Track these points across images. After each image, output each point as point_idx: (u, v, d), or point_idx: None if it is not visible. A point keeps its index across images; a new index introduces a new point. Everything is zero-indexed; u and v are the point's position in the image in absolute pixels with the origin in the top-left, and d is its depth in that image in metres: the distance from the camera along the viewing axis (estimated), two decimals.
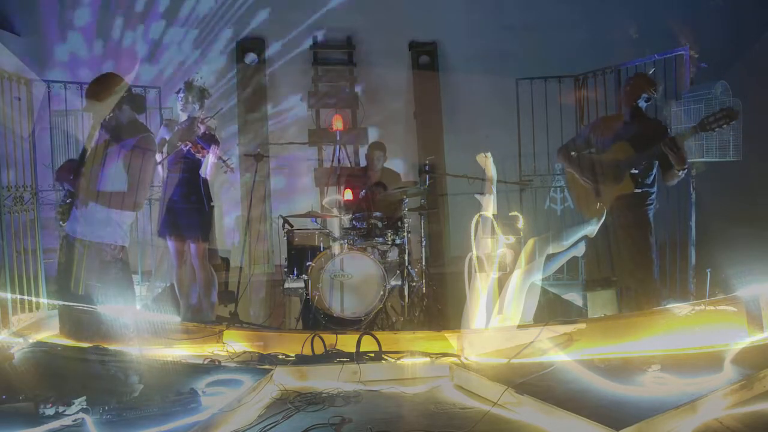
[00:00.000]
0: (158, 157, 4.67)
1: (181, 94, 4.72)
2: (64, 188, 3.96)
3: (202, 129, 4.60)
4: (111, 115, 3.87)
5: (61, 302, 3.94)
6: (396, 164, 7.18)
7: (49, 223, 5.24)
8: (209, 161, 4.61)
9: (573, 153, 4.55)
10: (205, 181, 4.72)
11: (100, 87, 3.86)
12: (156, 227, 5.01)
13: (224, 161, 4.56)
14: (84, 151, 3.93)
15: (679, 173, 4.11)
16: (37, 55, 6.81)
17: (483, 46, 7.47)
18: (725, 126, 3.86)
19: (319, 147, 7.42)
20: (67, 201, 3.90)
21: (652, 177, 4.27)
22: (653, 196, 4.30)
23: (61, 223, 3.95)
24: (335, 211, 5.70)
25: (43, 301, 4.71)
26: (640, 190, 4.19)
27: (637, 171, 4.16)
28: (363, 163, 6.82)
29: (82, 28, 7.05)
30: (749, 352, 3.29)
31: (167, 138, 4.74)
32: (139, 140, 3.87)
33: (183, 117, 4.77)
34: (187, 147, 4.56)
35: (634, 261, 4.24)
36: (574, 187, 4.63)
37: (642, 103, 4.28)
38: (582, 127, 5.95)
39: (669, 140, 3.96)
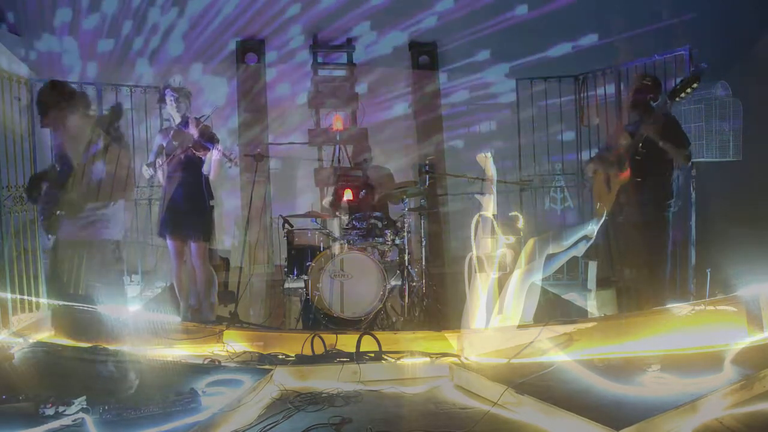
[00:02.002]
0: (159, 161, 4.69)
1: (172, 97, 4.70)
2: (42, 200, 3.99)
3: (198, 129, 4.61)
4: (69, 122, 3.90)
5: (63, 302, 3.95)
6: (396, 164, 7.18)
7: None
8: (212, 158, 4.63)
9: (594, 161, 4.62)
10: (207, 180, 4.73)
11: (52, 98, 3.88)
12: (156, 227, 5.01)
13: (228, 157, 4.59)
14: (54, 165, 3.98)
15: (672, 149, 4.12)
16: (37, 55, 6.81)
17: (483, 46, 7.47)
18: (690, 91, 3.93)
19: (319, 147, 7.41)
20: (58, 213, 3.92)
21: (669, 175, 4.27)
22: (673, 193, 4.30)
23: (50, 236, 3.99)
24: (336, 213, 5.71)
25: (43, 301, 4.71)
26: (643, 179, 4.19)
27: (639, 157, 4.16)
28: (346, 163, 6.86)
29: (82, 27, 7.04)
30: (749, 352, 3.29)
31: (164, 143, 4.75)
32: (103, 132, 3.91)
33: (177, 118, 4.76)
34: (188, 147, 4.57)
35: (646, 260, 4.25)
36: (595, 188, 4.65)
37: (647, 101, 4.31)
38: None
39: (651, 119, 4.05)
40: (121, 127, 4.13)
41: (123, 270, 4.40)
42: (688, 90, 3.92)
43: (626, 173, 4.20)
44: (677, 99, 4.02)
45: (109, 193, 3.95)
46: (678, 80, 4.12)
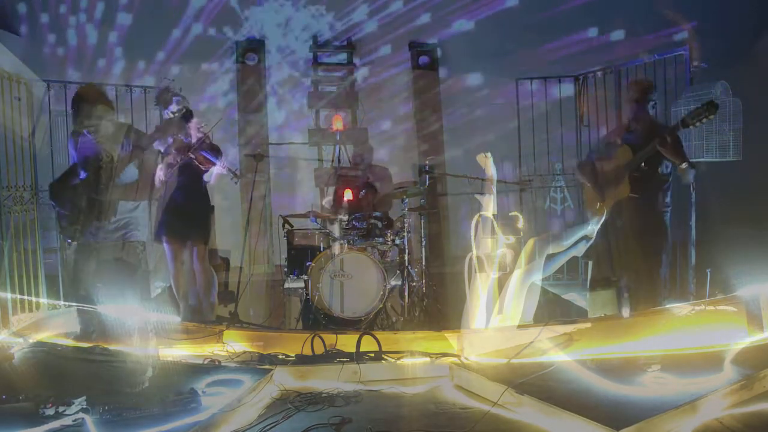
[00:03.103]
0: (164, 169, 4.68)
1: (177, 99, 4.70)
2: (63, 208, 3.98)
3: (200, 137, 4.61)
4: (98, 124, 3.91)
5: (87, 306, 3.92)
6: (396, 164, 7.19)
7: (49, 224, 5.25)
8: (215, 171, 4.64)
9: (588, 165, 4.54)
10: (205, 183, 4.74)
11: (91, 100, 3.90)
12: (154, 230, 4.99)
13: (234, 173, 4.60)
14: (78, 169, 3.97)
15: (684, 168, 4.07)
16: (37, 55, 6.81)
17: (483, 46, 7.47)
18: (705, 121, 3.88)
19: (319, 147, 7.42)
20: (91, 214, 3.92)
21: (665, 179, 4.24)
22: (669, 200, 4.25)
23: (69, 241, 3.99)
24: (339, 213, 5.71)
25: (43, 301, 4.71)
26: (641, 194, 4.14)
27: (638, 174, 4.12)
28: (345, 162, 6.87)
29: (82, 28, 7.05)
30: (749, 352, 3.28)
31: (162, 148, 4.73)
32: (134, 136, 3.92)
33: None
34: (191, 158, 4.57)
35: (644, 266, 4.21)
36: (586, 195, 4.62)
37: (648, 108, 4.27)
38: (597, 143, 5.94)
39: (660, 139, 3.96)
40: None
41: (149, 270, 4.45)
42: (704, 120, 3.87)
43: (624, 189, 4.15)
44: (690, 127, 3.96)
45: (136, 195, 4.00)
46: (693, 106, 4.06)
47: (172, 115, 4.68)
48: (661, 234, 4.26)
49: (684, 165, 4.06)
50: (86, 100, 3.93)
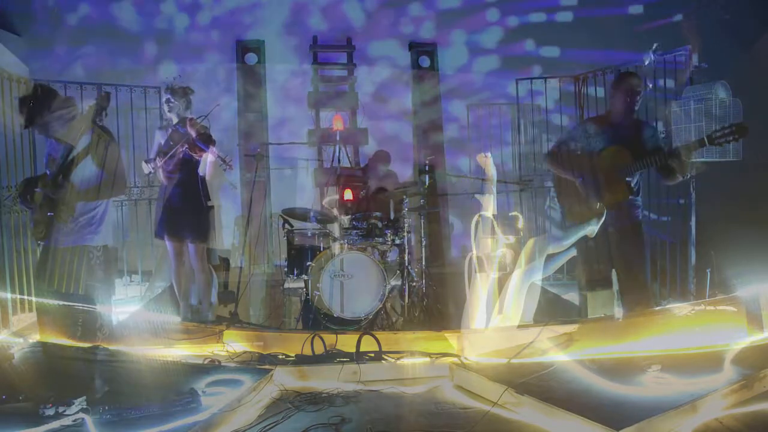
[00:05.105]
0: (158, 161, 4.68)
1: (166, 97, 4.71)
2: (30, 207, 3.94)
3: (195, 129, 4.61)
4: (55, 124, 3.86)
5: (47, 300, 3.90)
6: (396, 164, 7.18)
7: None
8: (208, 160, 4.62)
9: (564, 157, 4.24)
10: (203, 180, 4.74)
11: (39, 104, 3.83)
12: (154, 228, 5.00)
13: (223, 159, 4.58)
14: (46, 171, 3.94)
15: (680, 178, 4.00)
16: (37, 55, 6.81)
17: (483, 46, 7.47)
18: (732, 142, 3.79)
19: (319, 147, 7.42)
20: (49, 215, 3.85)
21: (637, 181, 4.16)
22: (640, 200, 4.18)
23: (39, 243, 3.92)
24: (334, 212, 5.71)
25: (35, 299, 4.71)
26: (631, 197, 4.08)
27: (630, 178, 4.04)
28: (363, 162, 6.86)
29: (82, 27, 7.05)
30: (749, 352, 3.28)
31: (162, 142, 4.75)
32: (92, 133, 3.88)
33: (174, 119, 4.75)
34: (185, 148, 4.57)
35: (630, 265, 4.15)
36: (565, 193, 4.30)
37: (635, 105, 4.13)
38: (571, 128, 5.72)
39: (676, 153, 3.85)
40: (105, 122, 4.06)
41: (112, 275, 4.37)
42: (731, 141, 3.77)
43: (621, 194, 4.00)
44: (716, 145, 3.82)
45: (97, 194, 3.87)
46: (721, 125, 3.92)
47: (166, 111, 4.72)
48: (640, 232, 4.17)
49: (684, 177, 3.99)
50: (26, 105, 3.86)
